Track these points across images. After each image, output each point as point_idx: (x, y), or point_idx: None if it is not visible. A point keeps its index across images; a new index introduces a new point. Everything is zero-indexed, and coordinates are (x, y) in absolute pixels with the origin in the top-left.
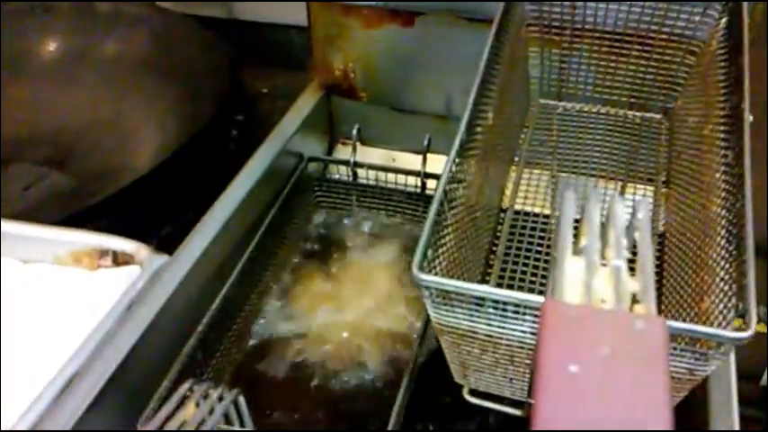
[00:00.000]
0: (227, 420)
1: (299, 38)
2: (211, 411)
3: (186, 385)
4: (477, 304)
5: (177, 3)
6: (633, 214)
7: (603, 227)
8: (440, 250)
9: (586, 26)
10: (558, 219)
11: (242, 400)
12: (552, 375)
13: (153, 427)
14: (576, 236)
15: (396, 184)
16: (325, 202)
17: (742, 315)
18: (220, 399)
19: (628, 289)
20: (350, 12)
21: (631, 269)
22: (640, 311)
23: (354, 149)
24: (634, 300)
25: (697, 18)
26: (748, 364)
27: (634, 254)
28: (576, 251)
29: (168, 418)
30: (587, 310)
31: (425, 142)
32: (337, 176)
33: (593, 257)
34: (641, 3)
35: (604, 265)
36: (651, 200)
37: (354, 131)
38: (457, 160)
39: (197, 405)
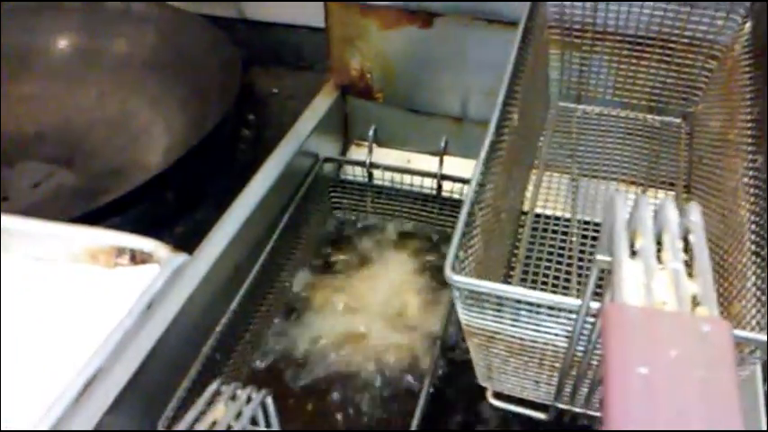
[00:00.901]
0: (254, 422)
1: (309, 38)
2: (239, 413)
3: (214, 386)
4: (507, 306)
5: (187, 2)
6: (685, 217)
7: (656, 231)
8: (469, 251)
9: (608, 29)
10: (609, 222)
11: (270, 401)
12: (622, 377)
13: (183, 428)
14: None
15: (411, 185)
16: (341, 203)
17: None
18: (248, 400)
19: (688, 291)
20: (368, 12)
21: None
22: (703, 314)
23: (370, 150)
24: (695, 302)
25: (719, 22)
26: None
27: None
28: (632, 255)
29: (197, 420)
30: (651, 312)
31: (442, 144)
32: (352, 177)
33: (650, 260)
34: (663, 6)
35: (661, 268)
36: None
37: (371, 132)
38: (486, 162)
39: (226, 406)
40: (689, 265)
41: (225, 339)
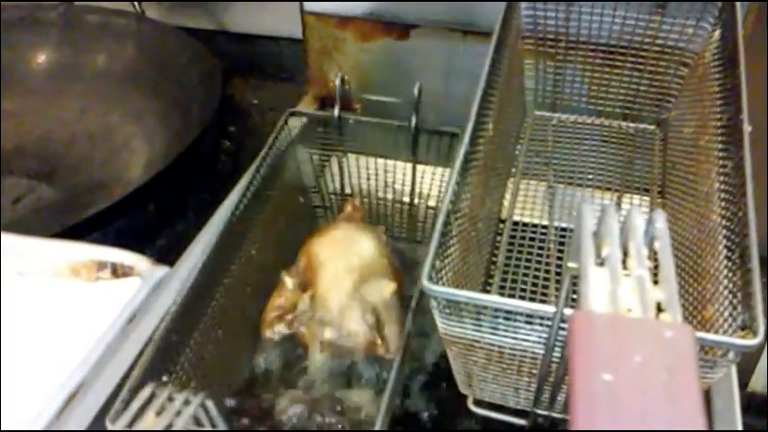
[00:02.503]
0: (198, 423)
1: (288, 50)
2: (178, 413)
3: (147, 391)
4: (485, 314)
5: (167, 15)
6: (650, 223)
7: (623, 238)
8: (446, 261)
9: (581, 38)
10: (577, 230)
11: (210, 403)
12: (587, 384)
13: (120, 427)
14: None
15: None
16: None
17: (743, 327)
18: (186, 403)
19: (652, 297)
20: (345, 25)
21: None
22: (667, 320)
23: (337, 102)
24: (659, 308)
25: (690, 30)
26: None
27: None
28: (597, 262)
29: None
30: (616, 320)
31: (415, 91)
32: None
33: (617, 267)
34: (634, 15)
35: (626, 275)
36: (646, 208)
37: (338, 81)
38: (461, 172)
39: (157, 414)
40: (656, 271)
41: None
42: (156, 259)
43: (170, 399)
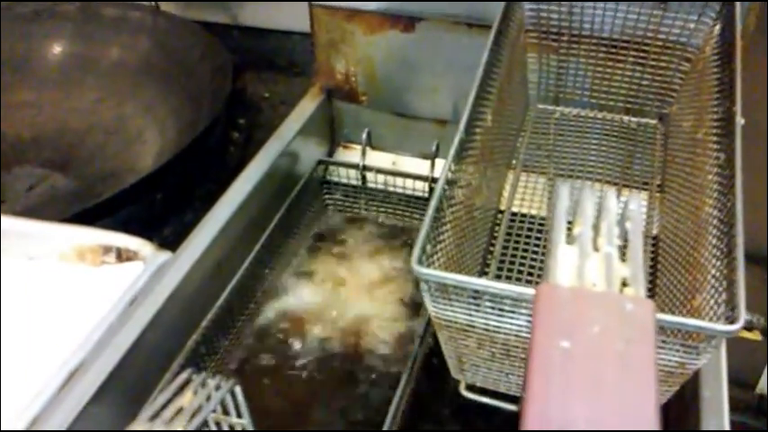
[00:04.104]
0: (225, 410)
1: (300, 44)
2: (208, 399)
3: (184, 375)
4: (474, 298)
5: (182, 9)
6: (625, 206)
7: (597, 218)
8: (438, 246)
9: (583, 32)
10: (552, 210)
11: (239, 390)
12: (545, 350)
13: (149, 413)
14: (570, 228)
15: (404, 188)
16: (333, 204)
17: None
18: (217, 388)
19: (618, 274)
20: (352, 17)
21: (624, 257)
22: (630, 294)
23: (364, 153)
24: (624, 284)
25: (692, 25)
26: (743, 372)
27: (625, 244)
28: (570, 240)
29: (165, 406)
30: (579, 292)
31: (433, 148)
32: (345, 180)
33: (586, 245)
34: (637, 10)
35: (597, 252)
36: (645, 202)
37: (364, 135)
38: (456, 160)
39: (194, 393)
40: (625, 251)
41: (210, 334)
42: (164, 247)
43: (203, 384)
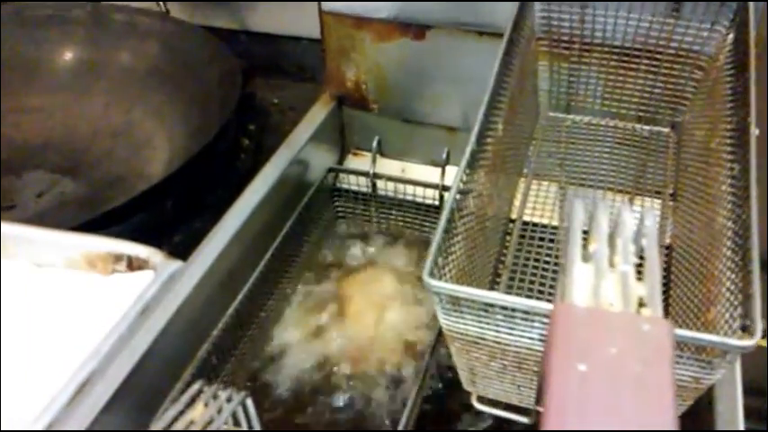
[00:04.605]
0: (236, 422)
1: (310, 50)
2: (219, 412)
3: (196, 386)
4: (486, 311)
5: (191, 14)
6: (640, 222)
7: (611, 234)
8: (450, 258)
9: (595, 40)
10: (567, 226)
11: (250, 402)
12: (562, 373)
13: (161, 427)
14: (584, 244)
15: (414, 196)
16: (344, 212)
17: (743, 328)
18: (229, 400)
19: (635, 293)
20: (362, 25)
21: (640, 275)
22: (647, 314)
23: (374, 161)
24: (641, 303)
25: (705, 34)
26: (756, 380)
27: (641, 261)
28: (585, 258)
29: (176, 418)
30: (595, 313)
31: (444, 155)
32: (355, 187)
33: (602, 263)
34: (649, 18)
35: (612, 271)
36: (658, 211)
37: (374, 143)
38: (467, 170)
39: (206, 405)
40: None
41: (221, 344)
42: (173, 255)
43: (215, 396)
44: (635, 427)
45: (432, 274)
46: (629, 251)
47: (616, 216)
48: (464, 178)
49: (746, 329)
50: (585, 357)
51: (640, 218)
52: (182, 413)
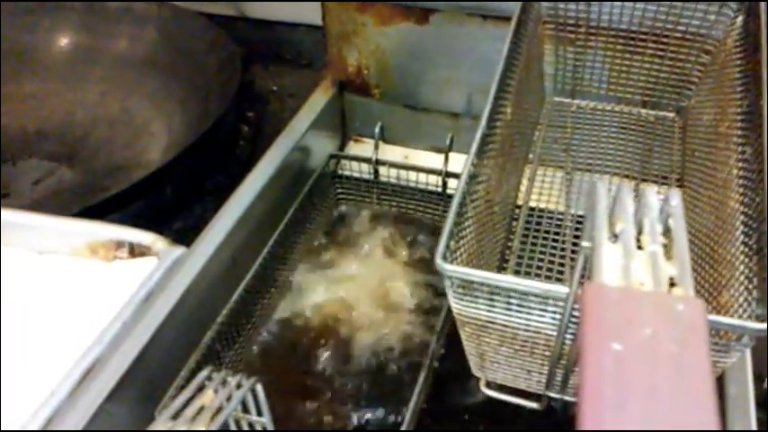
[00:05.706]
0: (245, 408)
1: (309, 36)
2: (228, 398)
3: (204, 372)
4: (498, 294)
5: (188, 1)
6: (665, 202)
7: (637, 215)
8: (461, 242)
9: (601, 24)
10: (592, 208)
11: (260, 388)
12: (597, 353)
13: (170, 413)
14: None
15: (417, 182)
16: (346, 198)
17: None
18: (238, 386)
19: (665, 273)
20: (364, 9)
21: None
22: (678, 294)
23: (377, 147)
24: (672, 283)
25: (712, 17)
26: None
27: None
28: (612, 239)
29: (185, 405)
30: (628, 292)
31: (447, 141)
32: (357, 174)
33: (630, 243)
34: (656, 1)
35: (640, 250)
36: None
37: (377, 130)
38: (478, 155)
39: (215, 392)
40: (668, 248)
41: (226, 330)
42: (173, 241)
43: (224, 382)
44: (676, 407)
45: (444, 258)
46: (657, 231)
47: (640, 198)
48: (475, 161)
49: (762, 313)
50: (620, 337)
51: (665, 198)
52: (191, 399)
